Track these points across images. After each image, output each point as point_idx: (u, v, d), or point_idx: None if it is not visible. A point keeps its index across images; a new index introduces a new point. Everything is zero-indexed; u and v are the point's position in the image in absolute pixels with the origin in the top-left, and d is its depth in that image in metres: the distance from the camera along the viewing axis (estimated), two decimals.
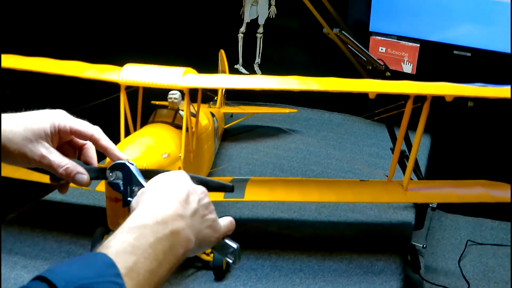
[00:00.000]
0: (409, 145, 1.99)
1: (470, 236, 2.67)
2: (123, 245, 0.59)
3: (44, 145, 0.75)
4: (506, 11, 2.29)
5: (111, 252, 0.58)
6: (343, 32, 1.78)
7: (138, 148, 1.34)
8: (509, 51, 2.33)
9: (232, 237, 1.86)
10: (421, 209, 2.10)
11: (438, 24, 2.56)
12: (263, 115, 2.90)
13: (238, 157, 2.52)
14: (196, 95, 1.64)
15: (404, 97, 1.63)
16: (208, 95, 2.67)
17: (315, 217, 2.02)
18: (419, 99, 1.57)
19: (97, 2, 2.81)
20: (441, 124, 2.65)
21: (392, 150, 1.86)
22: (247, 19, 3.06)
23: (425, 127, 1.60)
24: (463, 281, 2.32)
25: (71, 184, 0.82)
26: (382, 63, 1.95)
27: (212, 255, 1.60)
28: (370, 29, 2.73)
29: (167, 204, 0.66)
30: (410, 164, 1.66)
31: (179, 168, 1.45)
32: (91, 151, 0.83)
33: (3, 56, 1.59)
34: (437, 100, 1.53)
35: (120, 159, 0.81)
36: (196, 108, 1.66)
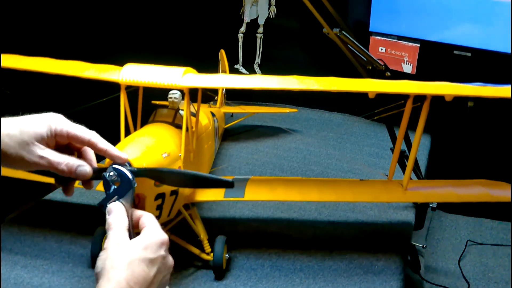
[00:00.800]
0: (409, 145, 1.99)
1: (470, 236, 2.67)
2: None
3: (40, 147, 0.76)
4: (506, 11, 2.30)
5: None
6: (343, 32, 1.78)
7: (138, 147, 1.33)
8: (509, 51, 2.33)
9: (233, 237, 1.85)
10: (421, 209, 2.10)
11: (438, 24, 2.56)
12: (263, 115, 2.90)
13: (238, 157, 2.52)
14: (196, 95, 1.64)
15: (404, 97, 1.63)
16: (208, 95, 2.67)
17: (315, 217, 2.02)
18: (419, 98, 1.57)
19: (97, 2, 2.81)
20: (441, 124, 2.65)
21: (392, 150, 1.86)
22: (247, 19, 3.06)
23: (425, 127, 1.60)
24: (463, 281, 2.32)
25: (76, 184, 0.83)
26: (382, 63, 1.95)
27: (212, 254, 1.60)
28: (370, 29, 2.73)
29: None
30: (410, 164, 1.66)
31: (179, 168, 1.45)
32: (89, 152, 0.83)
33: (3, 56, 1.59)
34: (437, 100, 1.53)
35: (120, 158, 0.81)
36: (196, 108, 1.66)
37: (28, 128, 0.76)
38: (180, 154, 1.48)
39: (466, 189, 1.71)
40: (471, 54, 2.50)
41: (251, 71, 3.20)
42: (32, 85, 1.97)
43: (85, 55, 1.73)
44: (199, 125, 1.69)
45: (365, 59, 1.94)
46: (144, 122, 1.64)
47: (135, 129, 1.60)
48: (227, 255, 1.63)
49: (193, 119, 1.65)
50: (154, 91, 1.54)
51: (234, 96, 2.89)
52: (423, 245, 2.24)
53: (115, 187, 0.80)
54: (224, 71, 2.71)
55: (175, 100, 1.67)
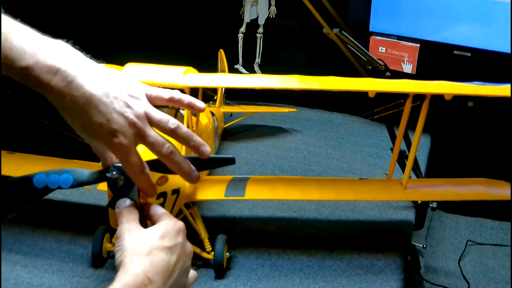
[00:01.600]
0: (409, 144, 1.99)
1: (470, 236, 2.67)
2: None
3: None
4: (506, 11, 2.30)
5: None
6: (343, 32, 1.79)
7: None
8: (509, 51, 2.33)
9: (233, 236, 1.86)
10: (421, 209, 2.10)
11: (438, 24, 2.56)
12: (263, 114, 2.90)
13: (238, 157, 2.50)
14: (197, 95, 1.64)
15: (403, 96, 1.63)
16: (208, 94, 2.67)
17: (315, 217, 2.02)
18: (419, 98, 1.57)
19: (97, 1, 2.81)
20: (441, 123, 2.65)
21: (392, 150, 1.86)
22: (247, 19, 3.06)
23: (425, 126, 1.60)
24: (463, 281, 2.32)
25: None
26: (382, 63, 1.95)
27: (212, 253, 1.60)
28: (370, 29, 2.73)
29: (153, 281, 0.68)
30: (409, 162, 1.67)
31: None
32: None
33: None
34: (437, 100, 1.53)
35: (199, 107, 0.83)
36: None
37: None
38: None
39: (465, 187, 1.71)
40: (471, 54, 2.50)
41: (251, 71, 3.20)
42: None
43: (85, 54, 1.73)
44: (199, 124, 1.69)
45: (365, 59, 1.94)
46: None
47: None
48: (227, 253, 1.64)
49: (194, 118, 1.65)
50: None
51: (234, 95, 2.88)
52: (423, 245, 2.24)
53: (120, 186, 0.80)
54: (223, 71, 2.71)
55: None
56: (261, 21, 3.07)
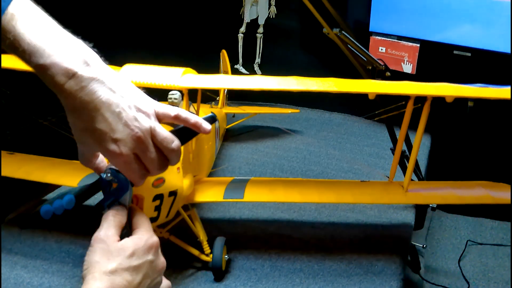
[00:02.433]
0: (409, 145, 1.99)
1: (470, 236, 2.67)
2: None
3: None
4: (506, 11, 2.29)
5: None
6: (343, 32, 1.78)
7: None
8: (509, 51, 2.33)
9: (232, 237, 1.85)
10: (421, 209, 2.10)
11: (438, 24, 2.56)
12: (262, 115, 2.90)
13: (238, 157, 2.52)
14: (196, 96, 1.64)
15: (404, 98, 1.63)
16: (208, 96, 2.67)
17: (315, 217, 2.02)
18: (420, 99, 1.57)
19: (96, 2, 2.81)
20: (441, 124, 2.65)
21: (392, 150, 1.86)
22: (247, 19, 3.06)
23: (425, 127, 1.60)
24: (463, 281, 2.32)
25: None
26: (382, 63, 1.95)
27: (211, 255, 1.60)
28: (370, 29, 2.73)
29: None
30: (410, 165, 1.66)
31: (178, 169, 1.45)
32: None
33: (3, 56, 1.59)
34: (438, 101, 1.53)
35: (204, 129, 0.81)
36: (196, 108, 1.66)
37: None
38: None
39: (466, 190, 1.71)
40: (471, 54, 2.50)
41: (251, 71, 3.20)
42: (32, 85, 1.97)
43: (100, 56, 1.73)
44: None
45: (365, 59, 1.93)
46: None
47: None
48: (226, 256, 1.63)
49: None
50: (153, 91, 1.54)
51: (235, 96, 2.89)
52: (423, 245, 2.24)
53: (112, 188, 0.80)
54: (226, 72, 2.71)
55: (175, 101, 1.67)
56: (261, 21, 3.07)
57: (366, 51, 1.90)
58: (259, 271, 1.67)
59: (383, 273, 1.68)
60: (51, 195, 2.07)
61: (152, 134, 0.74)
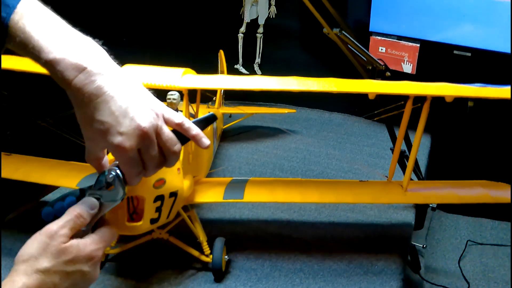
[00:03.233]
0: (409, 145, 1.98)
1: (470, 236, 2.67)
2: None
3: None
4: (506, 11, 2.29)
5: None
6: (343, 32, 1.78)
7: None
8: (509, 51, 2.32)
9: (233, 237, 1.85)
10: (421, 209, 2.10)
11: (438, 24, 2.56)
12: (262, 115, 2.90)
13: (238, 157, 2.52)
14: (195, 96, 1.64)
15: (404, 98, 1.62)
16: (206, 96, 2.68)
17: (315, 217, 2.02)
18: (419, 99, 1.57)
19: (96, 2, 2.81)
20: (441, 124, 2.65)
21: (392, 150, 1.86)
22: (247, 19, 3.06)
23: (425, 127, 1.60)
24: (463, 281, 2.32)
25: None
26: (382, 63, 1.94)
27: (211, 256, 1.60)
28: (370, 29, 2.73)
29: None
30: (410, 165, 1.66)
31: (178, 170, 1.44)
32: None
33: (3, 56, 1.59)
34: (437, 100, 1.53)
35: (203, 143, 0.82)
36: (195, 109, 1.66)
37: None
38: None
39: (466, 190, 1.71)
40: (471, 54, 2.50)
41: (251, 71, 3.19)
42: (32, 85, 1.97)
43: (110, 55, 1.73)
44: None
45: (365, 59, 1.93)
46: None
47: None
48: (226, 257, 1.63)
49: (192, 120, 1.65)
50: (153, 92, 1.54)
51: (233, 96, 2.88)
52: (423, 245, 2.24)
53: (106, 190, 0.79)
54: (222, 72, 2.71)
55: (174, 101, 1.67)
56: (261, 21, 3.07)
57: (366, 51, 1.90)
58: (259, 271, 1.67)
59: (383, 273, 1.68)
60: (51, 195, 2.07)
61: (157, 132, 0.74)
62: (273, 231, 1.91)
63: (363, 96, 1.57)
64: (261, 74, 3.11)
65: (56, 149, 1.92)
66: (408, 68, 2.68)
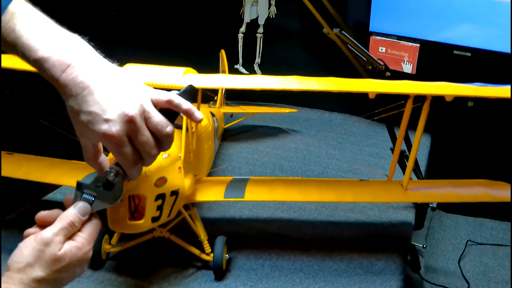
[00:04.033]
0: (409, 145, 1.99)
1: (470, 236, 2.67)
2: None
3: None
4: (506, 11, 2.29)
5: None
6: (343, 32, 1.78)
7: None
8: (509, 51, 2.33)
9: (233, 237, 1.85)
10: (421, 209, 2.10)
11: (438, 24, 2.56)
12: (263, 115, 2.90)
13: (238, 157, 2.52)
14: (197, 95, 1.64)
15: (404, 97, 1.63)
16: (208, 95, 2.68)
17: (315, 217, 2.02)
18: (419, 99, 1.57)
19: (98, 2, 2.81)
20: (441, 124, 2.65)
21: (392, 150, 1.86)
22: (247, 19, 3.06)
23: (425, 127, 1.60)
24: (463, 281, 2.32)
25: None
26: (382, 63, 1.95)
27: (212, 255, 1.60)
28: (370, 29, 2.73)
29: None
30: (410, 164, 1.66)
31: (179, 169, 1.45)
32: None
33: (3, 56, 1.59)
34: (437, 100, 1.53)
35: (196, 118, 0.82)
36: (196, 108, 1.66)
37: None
38: (180, 155, 1.48)
39: (466, 189, 1.71)
40: (471, 54, 2.50)
41: (251, 71, 3.20)
42: (31, 85, 1.97)
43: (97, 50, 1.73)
44: (199, 125, 1.69)
45: (365, 59, 1.93)
46: None
47: None
48: (227, 255, 1.63)
49: None
50: None
51: (234, 96, 2.88)
52: (423, 245, 2.24)
53: (103, 190, 0.79)
54: (223, 72, 2.71)
55: None
56: (261, 21, 3.07)
57: (366, 51, 1.91)
58: (259, 271, 1.67)
59: (383, 273, 1.68)
60: (51, 195, 2.07)
61: (145, 117, 0.75)
62: (273, 231, 1.91)
63: (363, 96, 1.57)
64: (261, 74, 3.11)
65: (57, 148, 1.92)
66: (408, 68, 2.68)
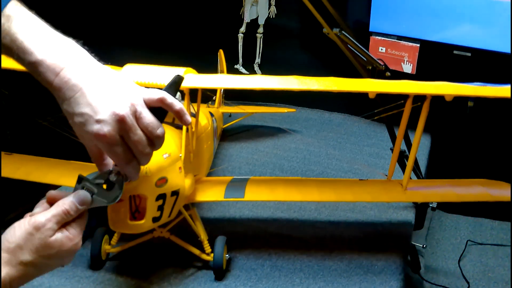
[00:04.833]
0: (409, 144, 1.99)
1: (470, 236, 2.67)
2: None
3: None
4: (506, 11, 2.29)
5: None
6: (343, 32, 1.78)
7: None
8: (509, 51, 2.33)
9: (232, 237, 1.85)
10: (421, 209, 2.10)
11: (438, 24, 2.56)
12: (262, 115, 2.90)
13: (238, 157, 2.52)
14: (196, 95, 1.64)
15: (404, 97, 1.63)
16: (207, 95, 2.68)
17: (315, 217, 2.02)
18: (419, 98, 1.57)
19: (97, 2, 2.81)
20: (441, 124, 2.65)
21: (392, 150, 1.86)
22: (247, 19, 3.06)
23: (425, 127, 1.60)
24: (463, 281, 2.32)
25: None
26: (382, 63, 1.95)
27: (212, 255, 1.60)
28: (370, 29, 2.73)
29: None
30: (409, 163, 1.66)
31: (180, 169, 1.45)
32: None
33: (3, 56, 1.59)
34: (437, 100, 1.53)
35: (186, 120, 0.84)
36: (196, 108, 1.66)
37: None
38: (180, 155, 1.48)
39: (465, 188, 1.71)
40: (471, 54, 2.50)
41: (251, 71, 3.20)
42: (31, 85, 1.97)
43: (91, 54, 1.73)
44: (198, 125, 1.69)
45: (365, 59, 1.93)
46: None
47: None
48: (227, 255, 1.63)
49: (193, 119, 1.65)
50: None
51: (233, 95, 2.88)
52: (423, 245, 2.24)
53: (102, 188, 0.79)
54: (222, 72, 2.71)
55: None
56: (261, 21, 3.07)
57: (366, 51, 1.91)
58: (259, 271, 1.67)
59: (383, 273, 1.68)
60: None
61: (137, 117, 0.76)
62: (273, 231, 1.91)
63: (363, 96, 1.57)
64: (261, 74, 3.11)
65: (57, 148, 1.92)
66: (408, 68, 2.68)
